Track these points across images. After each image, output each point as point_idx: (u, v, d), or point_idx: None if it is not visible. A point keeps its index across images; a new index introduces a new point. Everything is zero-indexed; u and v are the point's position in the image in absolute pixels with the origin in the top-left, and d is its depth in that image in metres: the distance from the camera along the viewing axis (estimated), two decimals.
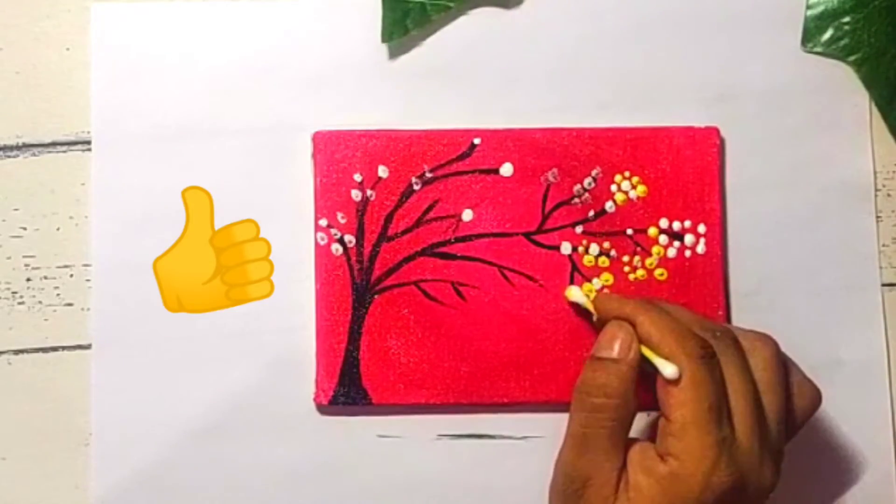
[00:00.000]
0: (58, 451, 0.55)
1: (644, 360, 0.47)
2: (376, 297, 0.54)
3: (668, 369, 0.46)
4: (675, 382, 0.46)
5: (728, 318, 0.55)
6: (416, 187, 0.55)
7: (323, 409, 0.55)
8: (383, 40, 0.55)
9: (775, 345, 0.49)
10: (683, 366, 0.45)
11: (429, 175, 0.55)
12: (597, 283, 0.55)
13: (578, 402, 0.48)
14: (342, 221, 0.55)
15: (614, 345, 0.47)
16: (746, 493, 0.46)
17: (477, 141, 0.55)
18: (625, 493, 0.46)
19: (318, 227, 0.55)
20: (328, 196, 0.55)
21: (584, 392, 0.47)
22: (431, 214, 0.55)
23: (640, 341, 0.47)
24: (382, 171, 0.55)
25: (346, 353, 0.54)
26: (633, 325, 0.48)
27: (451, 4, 0.56)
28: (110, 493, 0.54)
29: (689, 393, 0.45)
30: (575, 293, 0.54)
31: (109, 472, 0.54)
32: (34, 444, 0.55)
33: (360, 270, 0.54)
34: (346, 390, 0.54)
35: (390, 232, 0.55)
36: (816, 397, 0.50)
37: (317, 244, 0.55)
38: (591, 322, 0.53)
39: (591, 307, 0.53)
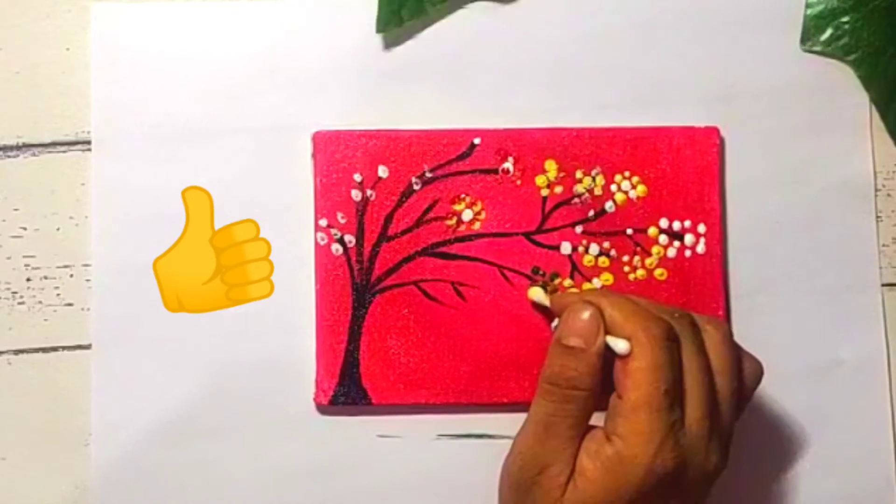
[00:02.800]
0: (58, 451, 0.55)
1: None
2: (376, 296, 0.54)
3: (619, 345, 0.45)
4: (631, 361, 0.45)
5: (728, 318, 0.55)
6: (416, 187, 0.55)
7: (323, 409, 0.55)
8: (378, 30, 0.55)
9: (727, 327, 0.49)
10: (645, 348, 0.45)
11: (429, 175, 0.55)
12: (597, 282, 0.55)
13: (545, 392, 0.47)
14: (342, 221, 0.55)
15: (584, 333, 0.46)
16: (689, 477, 0.45)
17: (477, 141, 0.55)
18: (572, 479, 0.46)
19: (318, 227, 0.55)
20: (328, 196, 0.55)
21: (553, 383, 0.47)
22: (431, 214, 0.55)
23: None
24: (382, 171, 0.55)
25: (346, 353, 0.54)
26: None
27: None
28: (110, 493, 0.54)
29: (647, 374, 0.45)
30: (537, 293, 0.54)
31: (109, 472, 0.54)
32: (34, 444, 0.55)
33: (360, 270, 0.54)
34: (346, 390, 0.54)
35: (390, 232, 0.55)
36: (759, 371, 0.49)
37: (317, 244, 0.55)
38: (549, 324, 0.53)
39: (546, 302, 0.53)
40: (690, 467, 0.45)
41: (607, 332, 0.46)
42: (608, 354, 0.46)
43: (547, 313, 0.54)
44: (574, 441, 0.46)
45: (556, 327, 0.49)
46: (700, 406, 0.45)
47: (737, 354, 0.48)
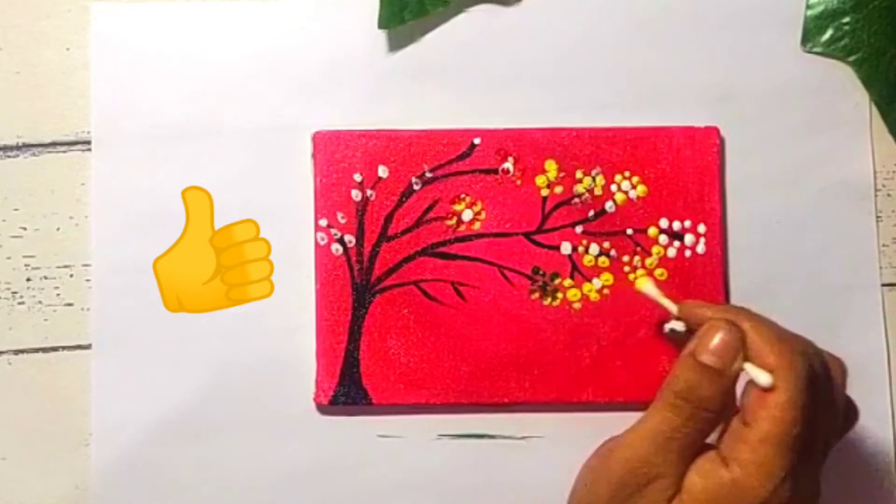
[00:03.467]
0: (58, 451, 0.55)
1: None
2: (376, 296, 0.54)
3: (762, 378, 0.44)
4: (770, 394, 0.44)
5: None
6: (416, 187, 0.55)
7: (323, 409, 0.55)
8: (380, 26, 0.55)
9: (846, 368, 0.48)
10: (789, 384, 0.44)
11: (429, 175, 0.55)
12: (597, 282, 0.55)
13: (671, 406, 0.45)
14: (342, 221, 0.55)
15: (723, 353, 0.45)
16: None
17: (477, 141, 0.55)
18: (678, 495, 0.45)
19: (318, 227, 0.55)
20: (328, 196, 0.55)
21: (683, 398, 0.45)
22: (431, 214, 0.55)
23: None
24: (382, 171, 0.55)
25: (346, 353, 0.54)
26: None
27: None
28: (110, 493, 0.54)
29: (785, 412, 0.43)
30: (648, 286, 0.52)
31: (109, 472, 0.54)
32: (34, 444, 0.55)
33: (360, 270, 0.54)
34: (346, 390, 0.54)
35: (390, 232, 0.55)
36: (855, 419, 0.49)
37: (317, 244, 0.55)
38: (658, 323, 0.52)
39: (666, 304, 0.51)
40: None
41: (746, 358, 0.45)
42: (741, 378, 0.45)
43: (652, 306, 0.53)
44: (689, 458, 0.45)
45: (670, 329, 0.49)
46: (818, 452, 0.45)
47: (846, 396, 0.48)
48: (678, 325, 0.50)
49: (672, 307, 0.51)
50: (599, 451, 0.49)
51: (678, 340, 0.51)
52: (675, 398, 0.45)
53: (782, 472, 0.43)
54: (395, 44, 0.56)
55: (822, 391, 0.45)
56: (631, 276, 0.55)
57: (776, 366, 0.44)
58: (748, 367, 0.45)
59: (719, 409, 0.45)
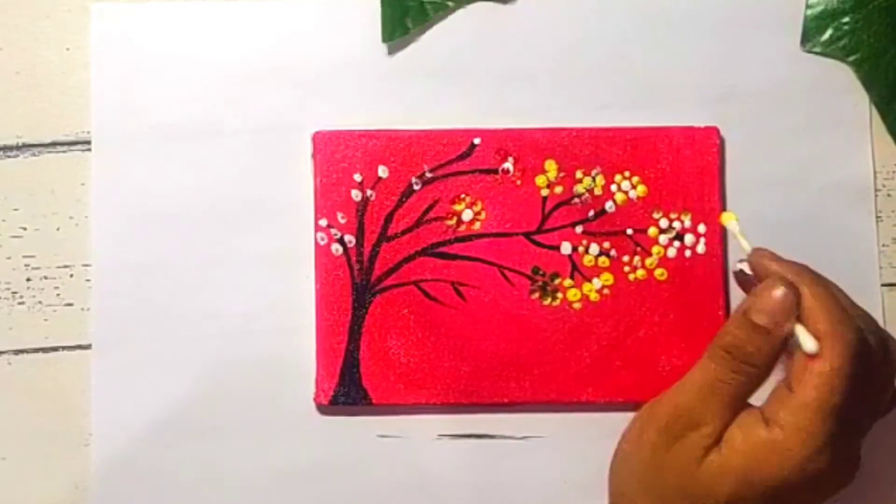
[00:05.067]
0: (58, 451, 0.55)
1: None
2: (376, 297, 0.54)
3: (809, 344, 0.44)
4: (816, 360, 0.44)
5: (728, 318, 0.55)
6: (416, 187, 0.55)
7: (323, 409, 0.55)
8: (384, 40, 0.55)
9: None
10: (835, 354, 0.44)
11: (429, 175, 0.55)
12: (597, 282, 0.55)
13: (719, 357, 0.46)
14: (342, 221, 0.55)
15: (775, 314, 0.45)
16: (828, 483, 0.45)
17: (477, 141, 0.55)
18: (717, 445, 0.46)
19: (318, 227, 0.55)
20: (328, 196, 0.55)
21: (730, 353, 0.46)
22: (431, 214, 0.55)
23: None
24: (382, 171, 0.55)
25: (347, 353, 0.54)
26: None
27: (451, 3, 0.56)
28: (110, 493, 0.54)
29: (828, 381, 0.44)
30: (731, 222, 0.51)
31: (109, 472, 0.54)
32: (34, 444, 0.55)
33: (360, 270, 0.54)
34: (347, 390, 0.54)
35: (390, 232, 0.55)
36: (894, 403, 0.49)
37: (317, 244, 0.54)
38: (737, 271, 0.51)
39: (743, 244, 0.50)
40: (837, 477, 0.45)
41: (799, 320, 0.45)
42: (791, 340, 0.46)
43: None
44: (732, 410, 0.46)
45: (739, 269, 0.48)
46: (863, 425, 0.46)
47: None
48: (746, 268, 0.49)
49: (747, 248, 0.50)
50: (650, 402, 0.50)
51: (745, 283, 0.50)
52: (722, 350, 0.46)
53: (820, 438, 0.44)
54: (395, 44, 0.56)
55: (874, 367, 0.45)
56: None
57: (825, 333, 0.44)
58: (798, 330, 0.45)
59: (765, 365, 0.46)
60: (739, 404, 0.46)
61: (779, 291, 0.46)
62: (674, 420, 0.47)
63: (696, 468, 0.46)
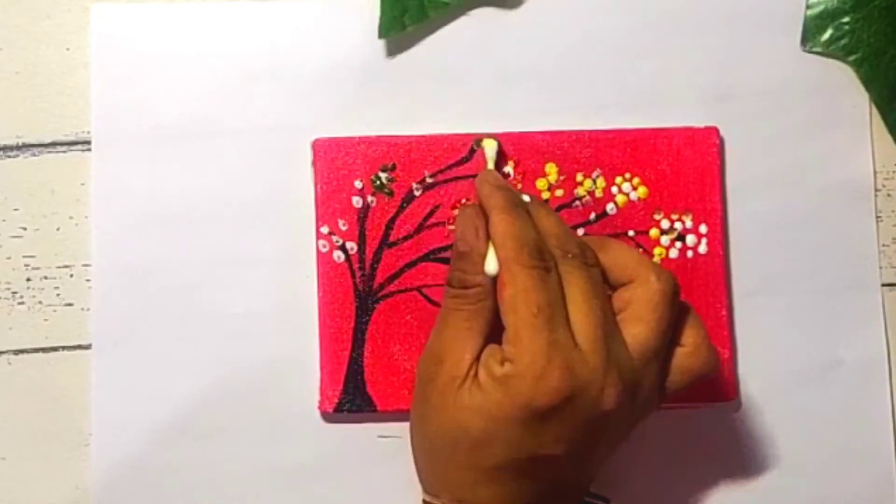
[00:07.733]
0: (58, 451, 0.55)
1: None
2: (379, 303, 0.54)
3: (489, 265, 0.46)
4: (502, 288, 0.45)
5: (731, 318, 0.55)
6: (416, 193, 0.55)
7: (326, 416, 0.55)
8: (380, 36, 0.55)
9: (668, 286, 0.47)
10: (514, 272, 0.45)
11: (429, 180, 0.55)
12: None
13: (446, 293, 0.48)
14: (343, 228, 0.54)
15: (465, 237, 0.48)
16: (581, 408, 0.45)
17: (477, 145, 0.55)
18: (472, 382, 0.46)
19: (319, 235, 0.54)
20: (329, 203, 0.54)
21: (451, 285, 0.48)
22: (433, 220, 0.55)
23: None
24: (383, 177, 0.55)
25: (350, 360, 0.54)
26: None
27: (449, 2, 0.55)
28: (110, 494, 0.54)
29: (518, 297, 0.45)
30: (490, 147, 0.54)
31: (109, 472, 0.54)
32: (34, 444, 0.55)
33: (363, 277, 0.54)
34: (351, 398, 0.54)
35: (392, 238, 0.54)
36: (709, 363, 0.48)
37: (318, 252, 0.54)
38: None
39: (490, 165, 0.53)
40: (586, 397, 0.45)
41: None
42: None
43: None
44: (467, 339, 0.47)
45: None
46: (589, 336, 0.45)
47: (668, 315, 0.47)
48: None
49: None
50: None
51: None
52: (447, 286, 0.48)
53: (542, 352, 0.44)
54: (395, 47, 0.56)
55: (577, 281, 0.46)
56: (484, 142, 0.54)
57: (504, 259, 0.46)
58: (490, 252, 0.47)
59: (475, 283, 0.47)
60: (474, 330, 0.47)
61: (465, 215, 0.48)
62: (425, 362, 0.48)
63: (452, 405, 0.46)
